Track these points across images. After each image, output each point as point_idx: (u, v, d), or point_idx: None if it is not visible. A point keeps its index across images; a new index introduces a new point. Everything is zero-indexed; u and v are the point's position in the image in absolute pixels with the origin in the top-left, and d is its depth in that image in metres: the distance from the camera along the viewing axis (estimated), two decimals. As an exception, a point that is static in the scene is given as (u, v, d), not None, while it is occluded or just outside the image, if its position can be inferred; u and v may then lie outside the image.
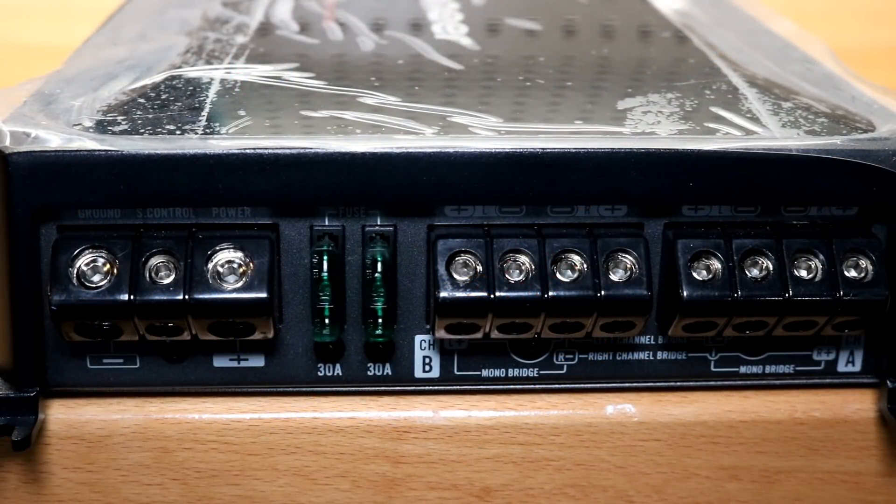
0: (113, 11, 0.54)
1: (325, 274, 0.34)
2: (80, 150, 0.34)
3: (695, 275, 0.35)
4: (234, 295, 0.34)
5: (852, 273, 0.35)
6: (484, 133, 0.36)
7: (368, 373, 0.37)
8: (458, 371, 0.37)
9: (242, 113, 0.37)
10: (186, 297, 0.33)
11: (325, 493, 0.37)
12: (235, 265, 0.34)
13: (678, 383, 0.38)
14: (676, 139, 0.36)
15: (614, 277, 0.35)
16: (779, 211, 0.36)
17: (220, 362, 0.36)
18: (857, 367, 0.38)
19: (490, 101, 0.39)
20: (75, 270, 0.34)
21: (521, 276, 0.35)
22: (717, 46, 0.47)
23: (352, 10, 0.52)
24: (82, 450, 0.36)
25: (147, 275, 0.34)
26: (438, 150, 0.34)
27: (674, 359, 0.37)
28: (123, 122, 0.36)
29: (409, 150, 0.34)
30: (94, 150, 0.34)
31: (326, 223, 0.35)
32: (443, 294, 0.34)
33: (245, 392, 0.37)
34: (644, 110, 0.38)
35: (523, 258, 0.35)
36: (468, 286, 0.34)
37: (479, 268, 0.35)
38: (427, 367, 0.37)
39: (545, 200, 0.35)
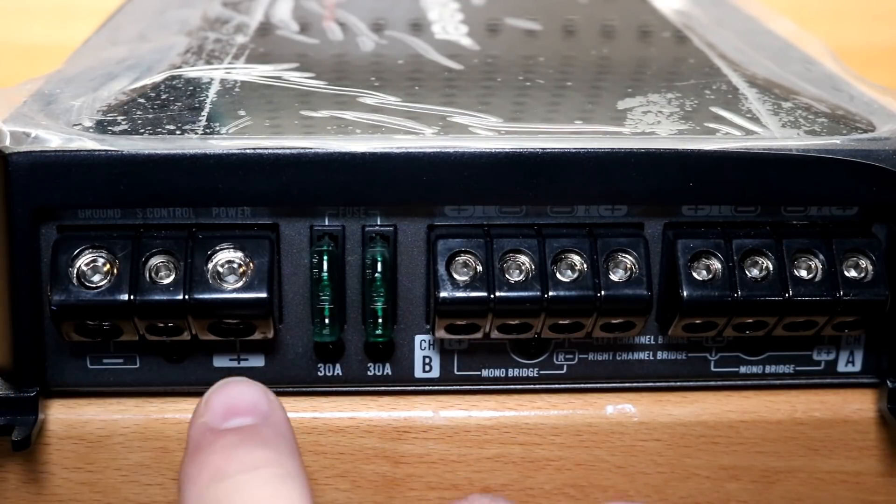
0: (113, 11, 0.54)
1: (325, 274, 0.34)
2: (80, 150, 0.34)
3: (695, 275, 0.35)
4: (234, 295, 0.34)
5: (852, 273, 0.35)
6: (484, 133, 0.36)
7: (368, 373, 0.37)
8: (458, 371, 0.37)
9: (242, 113, 0.37)
10: (186, 297, 0.33)
11: (325, 493, 0.37)
12: (235, 265, 0.34)
13: (678, 383, 0.38)
14: (676, 139, 0.36)
15: (614, 277, 0.35)
16: (779, 211, 0.36)
17: (220, 362, 0.36)
18: (857, 367, 0.38)
19: (490, 101, 0.39)
20: (75, 270, 0.34)
21: (521, 276, 0.35)
22: (717, 46, 0.47)
23: (352, 10, 0.52)
24: (82, 450, 0.36)
25: (147, 275, 0.34)
26: (438, 150, 0.34)
27: (674, 359, 0.37)
28: (123, 122, 0.36)
29: (409, 150, 0.34)
30: (94, 150, 0.34)
31: (326, 223, 0.35)
32: (443, 294, 0.34)
33: (245, 392, 0.37)
34: (644, 110, 0.38)
35: (523, 258, 0.35)
36: (468, 286, 0.34)
37: (479, 268, 0.35)
38: (427, 367, 0.37)
39: (545, 200, 0.35)
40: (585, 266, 0.35)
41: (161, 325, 0.34)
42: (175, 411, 0.36)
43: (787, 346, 0.37)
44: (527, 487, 0.37)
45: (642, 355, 0.37)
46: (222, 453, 0.30)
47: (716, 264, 0.35)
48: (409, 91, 0.40)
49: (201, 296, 0.33)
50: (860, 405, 0.38)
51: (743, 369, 0.38)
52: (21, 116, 0.36)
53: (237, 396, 0.32)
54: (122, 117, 0.36)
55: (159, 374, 0.36)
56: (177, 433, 0.36)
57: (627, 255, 0.35)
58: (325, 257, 0.35)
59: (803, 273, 0.35)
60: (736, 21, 0.54)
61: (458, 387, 0.37)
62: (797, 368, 0.38)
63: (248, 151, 0.34)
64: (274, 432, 0.31)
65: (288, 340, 0.36)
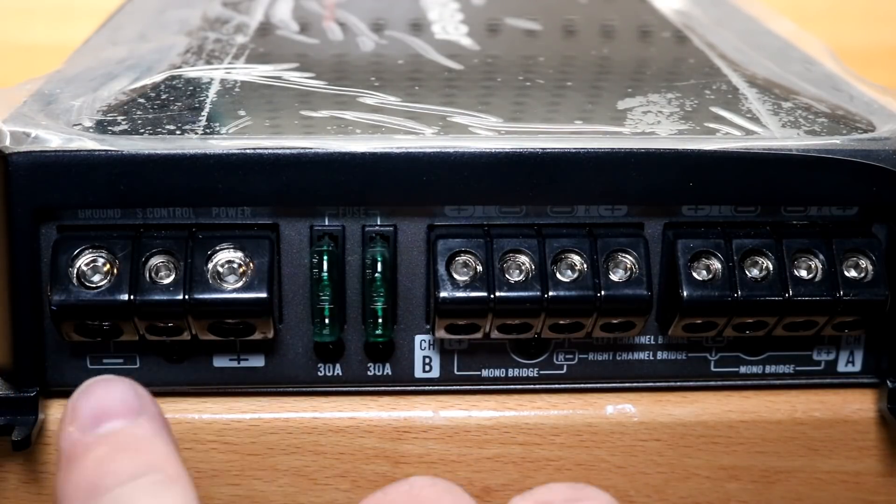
0: (113, 11, 0.54)
1: (325, 274, 0.34)
2: (80, 150, 0.34)
3: (695, 275, 0.35)
4: (234, 295, 0.34)
5: (852, 273, 0.35)
6: (484, 133, 0.36)
7: (368, 373, 0.37)
8: (458, 371, 0.37)
9: (242, 113, 0.37)
10: (186, 297, 0.33)
11: (325, 493, 0.37)
12: (235, 265, 0.34)
13: (678, 383, 0.38)
14: (676, 139, 0.36)
15: (614, 277, 0.35)
16: (779, 211, 0.36)
17: (220, 362, 0.36)
18: (857, 367, 0.38)
19: (490, 101, 0.39)
20: (75, 270, 0.34)
21: (521, 276, 0.35)
22: (717, 46, 0.47)
23: (352, 10, 0.52)
24: (82, 450, 0.36)
25: (147, 275, 0.34)
26: (438, 150, 0.34)
27: (674, 359, 0.37)
28: (123, 122, 0.36)
29: (409, 150, 0.34)
30: (94, 150, 0.34)
31: (326, 223, 0.35)
32: (443, 294, 0.34)
33: (245, 392, 0.37)
34: (644, 110, 0.38)
35: (523, 258, 0.35)
36: (468, 286, 0.34)
37: (479, 268, 0.35)
38: (427, 367, 0.37)
39: (545, 200, 0.35)
40: (585, 266, 0.35)
41: (161, 325, 0.34)
42: (175, 411, 0.36)
43: (787, 346, 0.37)
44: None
45: (642, 355, 0.37)
46: (96, 466, 0.28)
47: (716, 264, 0.35)
48: (409, 91, 0.40)
49: (201, 296, 0.33)
50: (860, 405, 0.38)
51: (743, 369, 0.38)
52: (21, 116, 0.36)
53: (104, 398, 0.30)
54: (122, 117, 0.36)
55: (159, 374, 0.36)
56: (177, 433, 0.36)
57: (627, 255, 0.35)
58: (325, 257, 0.35)
59: (803, 273, 0.35)
60: (736, 21, 0.54)
61: (458, 387, 0.37)
62: (797, 368, 0.38)
63: (248, 151, 0.34)
64: (149, 432, 0.29)
65: (288, 340, 0.36)
